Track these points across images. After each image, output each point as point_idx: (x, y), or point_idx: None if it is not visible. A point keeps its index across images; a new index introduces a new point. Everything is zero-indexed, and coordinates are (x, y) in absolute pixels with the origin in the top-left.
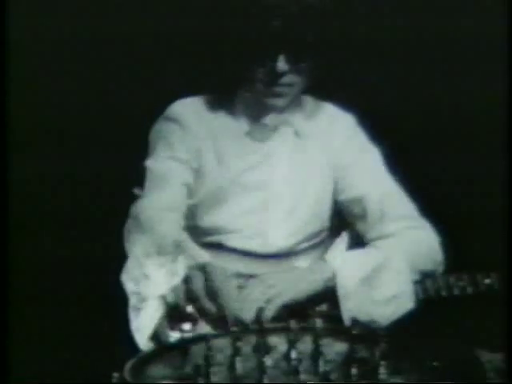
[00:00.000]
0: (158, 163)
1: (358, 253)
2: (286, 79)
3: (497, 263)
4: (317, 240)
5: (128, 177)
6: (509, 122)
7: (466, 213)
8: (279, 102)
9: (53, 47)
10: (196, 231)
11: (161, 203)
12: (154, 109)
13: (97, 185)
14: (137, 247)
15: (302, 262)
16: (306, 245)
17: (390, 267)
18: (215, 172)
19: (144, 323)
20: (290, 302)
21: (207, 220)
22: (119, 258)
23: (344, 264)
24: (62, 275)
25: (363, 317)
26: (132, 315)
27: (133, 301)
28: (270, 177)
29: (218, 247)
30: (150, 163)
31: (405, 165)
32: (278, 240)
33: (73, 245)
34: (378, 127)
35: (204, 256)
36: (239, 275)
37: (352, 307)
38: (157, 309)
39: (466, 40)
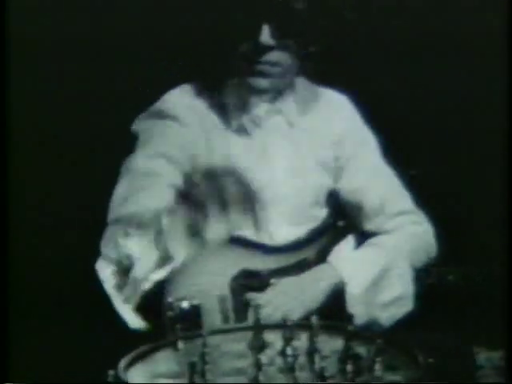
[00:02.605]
0: (145, 161)
1: (365, 256)
2: (270, 56)
3: (495, 260)
4: (321, 230)
5: None
6: (509, 121)
7: (466, 208)
8: (264, 82)
9: (53, 47)
10: None
11: (145, 205)
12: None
13: (97, 185)
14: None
15: (309, 254)
16: (310, 235)
17: (393, 269)
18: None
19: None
20: (303, 316)
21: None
22: None
23: (352, 270)
24: (60, 275)
25: (367, 320)
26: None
27: (112, 282)
28: (268, 173)
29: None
30: (139, 161)
31: (403, 156)
32: (282, 232)
33: (71, 245)
34: (375, 115)
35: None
36: (248, 273)
37: (358, 313)
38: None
39: (465, 35)
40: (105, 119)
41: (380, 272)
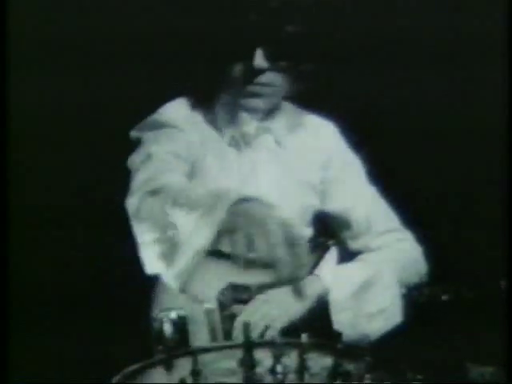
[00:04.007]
0: (163, 153)
1: (349, 267)
2: (263, 78)
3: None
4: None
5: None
6: (508, 124)
7: (458, 226)
8: (257, 103)
9: (53, 47)
10: None
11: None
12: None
13: (97, 185)
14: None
15: None
16: None
17: (379, 281)
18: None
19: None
20: (287, 325)
21: None
22: (118, 262)
23: (335, 279)
24: (61, 275)
25: (354, 331)
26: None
27: (159, 249)
28: (255, 190)
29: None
30: (158, 151)
31: (389, 174)
32: None
33: (71, 245)
34: (363, 132)
35: None
36: (235, 287)
37: (343, 322)
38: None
39: (465, 38)
40: (104, 120)
41: (364, 283)
